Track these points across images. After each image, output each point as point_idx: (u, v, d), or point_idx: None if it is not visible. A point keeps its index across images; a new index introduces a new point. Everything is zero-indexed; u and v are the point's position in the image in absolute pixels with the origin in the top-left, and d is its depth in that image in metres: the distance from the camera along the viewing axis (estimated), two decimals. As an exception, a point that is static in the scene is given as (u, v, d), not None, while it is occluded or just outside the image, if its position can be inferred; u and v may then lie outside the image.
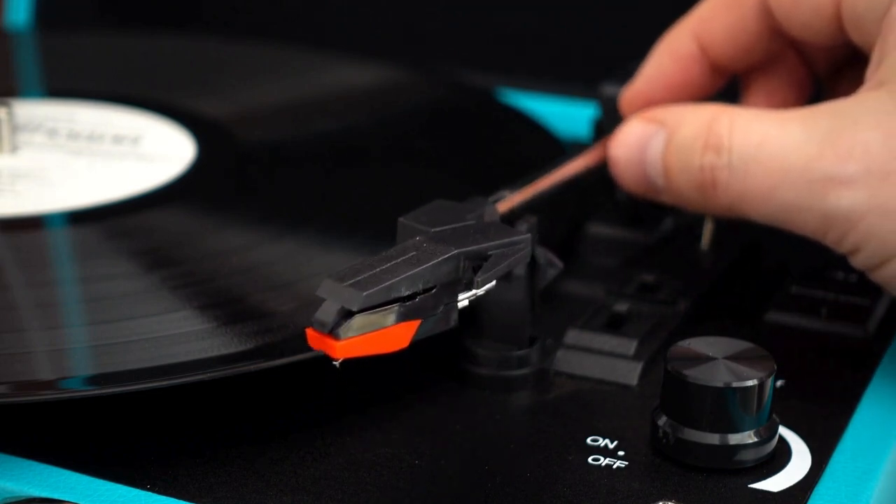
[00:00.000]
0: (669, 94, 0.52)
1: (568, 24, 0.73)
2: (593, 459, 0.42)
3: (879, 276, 0.45)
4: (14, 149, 0.57)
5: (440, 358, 0.47)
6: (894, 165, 0.43)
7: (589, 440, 0.43)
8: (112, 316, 0.45)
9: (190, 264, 0.49)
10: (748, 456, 0.42)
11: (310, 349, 0.43)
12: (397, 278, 0.39)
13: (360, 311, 0.39)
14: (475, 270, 0.42)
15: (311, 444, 0.43)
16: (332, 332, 0.39)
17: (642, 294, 0.50)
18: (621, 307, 0.49)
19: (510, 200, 0.47)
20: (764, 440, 0.42)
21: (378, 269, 0.40)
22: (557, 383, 0.46)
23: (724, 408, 0.41)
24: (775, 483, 0.42)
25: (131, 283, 0.47)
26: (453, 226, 0.43)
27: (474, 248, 0.42)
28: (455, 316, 0.42)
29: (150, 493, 0.41)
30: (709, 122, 0.46)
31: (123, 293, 0.47)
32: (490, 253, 0.42)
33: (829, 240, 0.45)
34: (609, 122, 0.55)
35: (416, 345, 0.47)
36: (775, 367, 0.42)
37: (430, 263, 0.40)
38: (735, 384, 0.41)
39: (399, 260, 0.40)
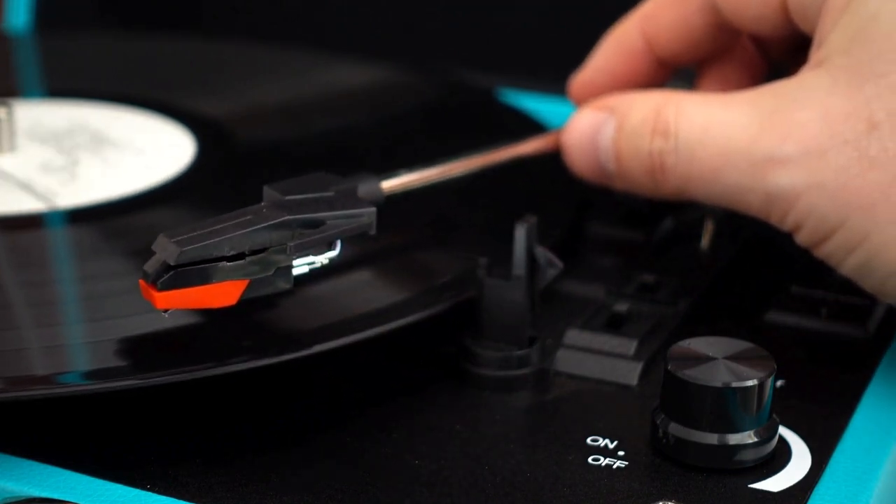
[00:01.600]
0: (616, 84, 0.53)
1: (568, 24, 0.73)
2: (593, 459, 0.42)
3: (821, 253, 0.46)
4: (14, 149, 0.57)
5: (440, 358, 0.47)
6: (831, 144, 0.44)
7: (589, 440, 0.43)
8: (112, 314, 0.45)
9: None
10: (748, 456, 0.42)
11: (310, 347, 0.43)
12: (220, 238, 0.41)
13: (178, 266, 0.41)
14: None
15: (311, 444, 0.43)
16: (153, 283, 0.41)
17: (642, 294, 0.50)
18: (621, 307, 0.49)
19: (399, 181, 0.48)
20: (764, 440, 0.42)
21: (208, 230, 0.42)
22: (557, 383, 0.46)
23: (723, 408, 0.41)
24: (775, 483, 0.42)
25: (131, 283, 0.47)
26: (308, 195, 0.44)
27: (308, 216, 0.43)
28: (289, 279, 0.43)
29: (150, 493, 0.41)
30: (657, 108, 0.47)
31: (124, 292, 0.47)
32: (327, 222, 0.43)
33: (773, 219, 0.46)
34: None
35: (416, 345, 0.47)
36: (775, 367, 0.42)
37: (256, 227, 0.42)
38: (735, 384, 0.41)
39: (231, 222, 0.42)
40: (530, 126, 0.61)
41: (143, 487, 0.41)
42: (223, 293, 0.41)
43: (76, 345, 0.44)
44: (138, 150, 0.57)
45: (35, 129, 0.59)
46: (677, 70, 0.53)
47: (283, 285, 0.43)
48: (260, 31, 0.77)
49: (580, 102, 0.53)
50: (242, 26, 0.79)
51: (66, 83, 0.65)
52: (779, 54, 0.53)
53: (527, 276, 0.46)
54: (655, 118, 0.47)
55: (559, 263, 0.46)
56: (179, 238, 0.41)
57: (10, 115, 0.57)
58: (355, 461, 0.42)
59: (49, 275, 0.49)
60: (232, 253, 0.41)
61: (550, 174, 0.54)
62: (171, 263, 0.41)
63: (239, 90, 0.64)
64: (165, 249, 0.41)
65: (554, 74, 0.71)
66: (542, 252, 0.46)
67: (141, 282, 0.41)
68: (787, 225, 0.46)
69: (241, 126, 0.60)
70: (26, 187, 0.54)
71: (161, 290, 0.41)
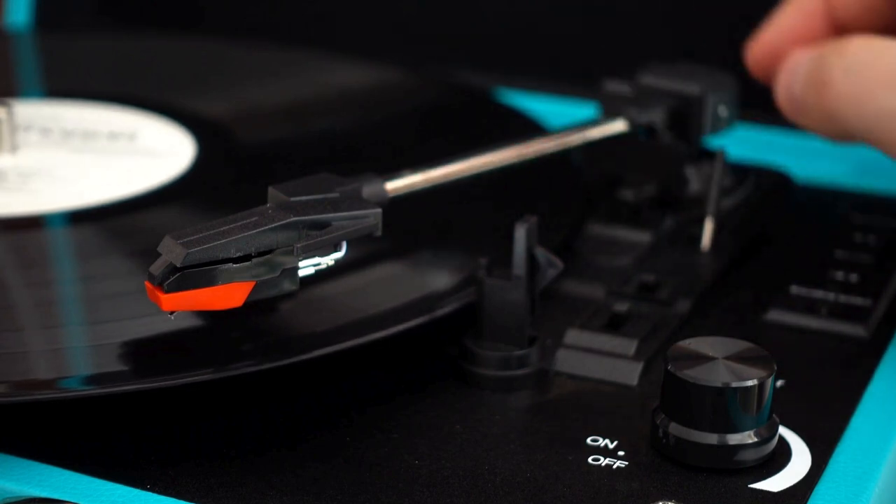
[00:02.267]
0: (792, 45, 0.54)
1: (568, 24, 0.73)
2: (593, 459, 0.42)
3: None
4: (14, 149, 0.57)
5: (440, 357, 0.47)
6: None
7: (589, 440, 0.43)
8: (112, 315, 0.45)
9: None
10: (748, 456, 0.42)
11: (309, 350, 0.43)
12: (226, 240, 0.41)
13: (184, 267, 0.40)
14: None
15: (311, 444, 0.43)
16: (160, 286, 0.40)
17: (642, 294, 0.50)
18: (621, 307, 0.49)
19: (403, 182, 0.48)
20: (764, 440, 0.42)
21: (214, 231, 0.41)
22: (557, 383, 0.46)
23: (724, 408, 0.41)
24: (775, 483, 0.42)
25: (131, 283, 0.47)
26: (313, 196, 0.44)
27: (314, 217, 0.43)
28: (295, 280, 0.43)
29: (150, 493, 0.41)
30: (848, 37, 0.50)
31: (123, 292, 0.47)
32: (333, 223, 0.43)
33: None
34: (608, 118, 0.55)
35: (416, 345, 0.47)
36: (775, 367, 0.42)
37: (262, 229, 0.42)
38: (735, 384, 0.41)
39: (237, 224, 0.42)
40: (529, 126, 0.61)
41: (143, 487, 0.41)
42: (229, 295, 0.41)
43: (78, 348, 0.44)
44: (138, 151, 0.57)
45: (35, 129, 0.59)
46: None
47: (290, 287, 0.43)
48: (260, 31, 0.77)
49: (758, 63, 0.55)
50: (242, 26, 0.79)
51: (66, 83, 0.65)
52: None
53: (527, 277, 0.46)
54: (843, 40, 0.50)
55: (559, 263, 0.46)
56: (185, 240, 0.41)
57: (10, 114, 0.57)
58: (355, 461, 0.42)
59: (49, 276, 0.49)
60: (238, 255, 0.41)
61: (551, 174, 0.54)
62: (178, 265, 0.41)
63: (239, 90, 0.64)
64: (171, 251, 0.41)
65: (554, 74, 0.71)
66: (542, 252, 0.46)
67: (147, 283, 0.41)
68: None
69: (241, 126, 0.60)
70: (26, 187, 0.54)
71: (167, 292, 0.41)
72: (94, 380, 0.43)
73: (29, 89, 0.65)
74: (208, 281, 0.41)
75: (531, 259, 0.45)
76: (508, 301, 0.46)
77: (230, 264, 0.41)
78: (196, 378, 0.42)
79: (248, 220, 0.42)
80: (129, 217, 0.52)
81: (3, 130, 0.57)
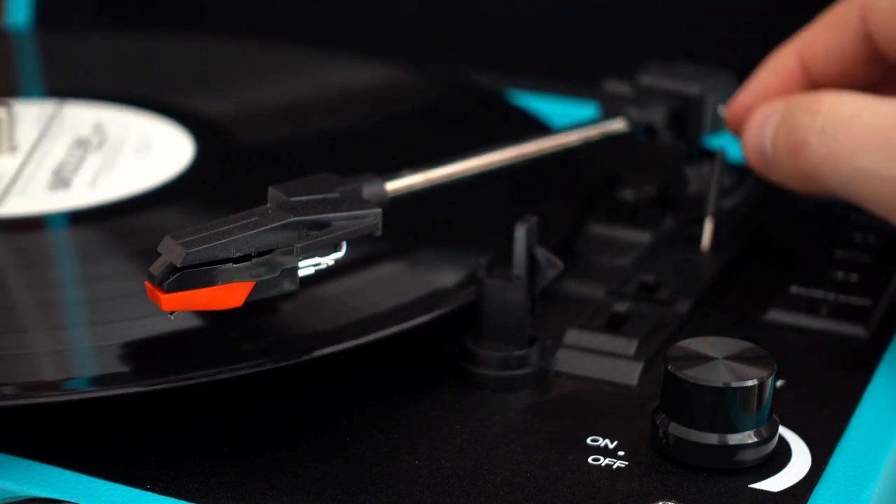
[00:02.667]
0: None
1: (568, 24, 0.73)
2: (593, 459, 0.42)
3: None
4: (13, 149, 0.57)
5: (440, 357, 0.47)
6: None
7: (589, 440, 0.43)
8: (112, 316, 0.45)
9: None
10: (748, 456, 0.42)
11: (309, 351, 0.43)
12: (226, 240, 0.41)
13: (184, 267, 0.40)
14: None
15: (311, 444, 0.43)
16: (160, 286, 0.40)
17: (642, 294, 0.50)
18: (621, 307, 0.49)
19: (403, 182, 0.48)
20: (764, 440, 0.42)
21: (214, 231, 0.41)
22: (557, 383, 0.46)
23: (724, 408, 0.41)
24: (775, 483, 0.42)
25: (131, 283, 0.47)
26: (313, 196, 0.44)
27: (314, 217, 0.43)
28: (295, 280, 0.43)
29: (150, 493, 0.41)
30: (818, 94, 0.49)
31: (124, 293, 0.47)
32: (332, 223, 0.43)
33: (894, 215, 0.47)
34: (608, 118, 0.55)
35: (416, 345, 0.47)
36: (775, 367, 0.42)
37: (262, 229, 0.42)
38: (735, 384, 0.41)
39: (237, 224, 0.42)
40: (537, 127, 0.61)
41: (143, 487, 0.41)
42: (229, 295, 0.41)
43: (82, 349, 0.44)
44: (138, 151, 0.57)
45: (35, 129, 0.59)
46: None
47: (290, 287, 0.43)
48: (260, 31, 0.77)
49: (737, 126, 0.54)
50: (242, 26, 0.79)
51: (66, 83, 0.65)
52: None
53: (527, 277, 0.46)
54: (813, 99, 0.49)
55: (559, 263, 0.46)
56: (185, 240, 0.41)
57: (10, 114, 0.57)
58: (355, 461, 0.42)
59: (49, 276, 0.49)
60: (238, 255, 0.41)
61: (551, 174, 0.54)
62: (178, 265, 0.41)
63: (239, 90, 0.64)
64: (171, 251, 0.41)
65: (554, 74, 0.71)
66: (542, 252, 0.46)
67: (147, 283, 0.41)
68: None
69: (241, 126, 0.60)
70: (26, 187, 0.54)
71: (167, 292, 0.41)
72: (98, 381, 0.42)
73: (29, 89, 0.65)
74: (208, 281, 0.41)
75: (531, 259, 0.45)
76: (508, 301, 0.46)
77: (230, 264, 0.41)
78: (197, 379, 0.42)
79: (248, 220, 0.42)
80: (129, 217, 0.52)
81: (2, 130, 0.57)
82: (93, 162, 0.56)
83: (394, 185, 0.47)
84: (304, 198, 0.44)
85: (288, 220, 0.42)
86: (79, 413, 0.44)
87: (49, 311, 0.47)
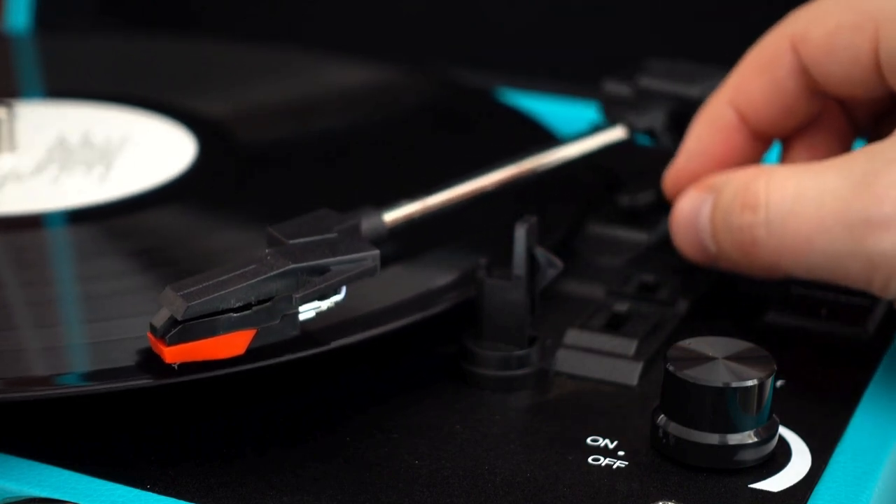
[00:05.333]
0: (713, 165, 0.51)
1: (568, 24, 0.73)
2: (593, 459, 0.42)
3: None
4: (14, 149, 0.57)
5: (440, 357, 0.47)
6: None
7: (589, 440, 0.43)
8: (112, 314, 0.45)
9: (189, 264, 0.49)
10: (748, 456, 0.42)
11: (309, 348, 0.43)
12: (226, 291, 0.41)
13: (185, 320, 0.41)
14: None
15: (311, 444, 0.43)
16: (162, 339, 0.41)
17: (642, 294, 0.50)
18: (621, 307, 0.49)
19: (402, 212, 0.48)
20: (764, 440, 0.42)
21: (213, 282, 0.41)
22: (557, 383, 0.46)
23: (724, 408, 0.41)
24: (775, 483, 0.42)
25: (131, 282, 0.47)
26: (311, 238, 0.44)
27: (313, 263, 0.43)
28: (296, 325, 0.43)
29: (150, 493, 0.41)
30: (746, 182, 0.46)
31: (124, 291, 0.47)
32: (331, 268, 0.43)
33: (875, 286, 0.44)
34: (609, 118, 0.55)
35: (416, 345, 0.47)
36: (775, 367, 0.42)
37: (261, 278, 0.42)
38: (735, 384, 0.41)
39: (236, 273, 0.42)
40: (528, 126, 0.61)
41: (143, 487, 0.41)
42: (231, 344, 0.41)
43: (76, 345, 0.44)
44: (138, 151, 0.57)
45: (35, 129, 0.59)
46: (772, 143, 0.52)
47: (291, 332, 0.43)
48: (259, 31, 0.77)
49: (674, 194, 0.51)
50: (242, 26, 0.79)
51: (66, 83, 0.65)
52: (866, 120, 0.51)
53: (527, 277, 0.46)
54: (745, 192, 0.46)
55: (559, 263, 0.46)
56: (185, 292, 0.41)
57: (10, 114, 0.57)
58: (355, 461, 0.42)
59: (49, 275, 0.49)
60: (238, 304, 0.41)
61: (551, 174, 0.54)
62: (180, 319, 0.41)
63: (239, 90, 0.64)
64: (172, 303, 0.41)
65: (554, 74, 0.71)
66: (542, 252, 0.46)
67: (149, 335, 0.41)
68: (891, 292, 0.44)
69: (241, 126, 0.60)
70: (26, 187, 0.54)
71: (169, 344, 0.41)
72: (92, 376, 0.42)
73: (29, 89, 0.65)
74: (210, 331, 0.41)
75: (531, 259, 0.45)
76: (508, 301, 0.46)
77: (231, 314, 0.41)
78: (194, 376, 0.42)
79: (247, 269, 0.42)
80: (129, 217, 0.52)
81: (3, 130, 0.57)
82: (93, 162, 0.56)
83: (392, 217, 0.47)
84: (302, 240, 0.44)
85: (287, 268, 0.42)
86: (79, 412, 0.44)
87: (46, 308, 0.47)
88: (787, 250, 0.45)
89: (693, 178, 0.50)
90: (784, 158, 0.52)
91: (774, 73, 0.49)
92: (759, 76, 0.50)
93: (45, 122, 0.60)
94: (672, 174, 0.52)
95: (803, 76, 0.49)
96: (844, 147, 0.51)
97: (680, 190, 0.51)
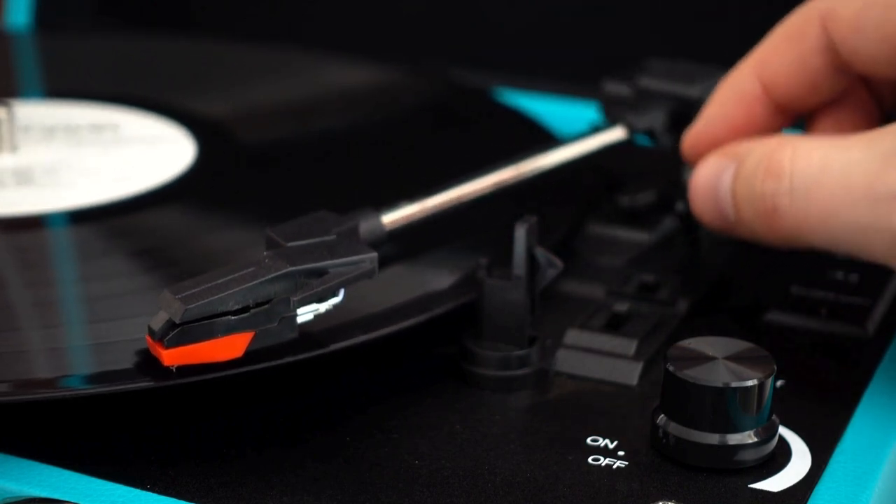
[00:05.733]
0: (732, 133, 0.50)
1: (568, 24, 0.73)
2: (593, 459, 0.42)
3: None
4: (14, 149, 0.57)
5: (440, 357, 0.47)
6: None
7: (589, 440, 0.43)
8: (112, 315, 0.45)
9: (190, 264, 0.49)
10: (748, 456, 0.42)
11: (310, 349, 0.43)
12: (224, 294, 0.41)
13: (183, 323, 0.41)
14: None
15: (311, 444, 0.43)
16: (160, 341, 0.41)
17: (642, 294, 0.50)
18: (621, 307, 0.49)
19: (400, 214, 0.48)
20: (764, 440, 0.42)
21: (211, 284, 0.41)
22: (557, 383, 0.46)
23: (724, 408, 0.41)
24: (775, 483, 0.42)
25: (131, 283, 0.47)
26: (310, 241, 0.44)
27: (311, 265, 0.43)
28: (294, 327, 0.43)
29: (150, 493, 0.41)
30: (771, 151, 0.46)
31: (124, 292, 0.47)
32: (329, 270, 0.43)
33: None
34: (609, 119, 0.55)
35: (416, 345, 0.47)
36: (775, 367, 0.42)
37: (259, 280, 0.42)
38: (735, 384, 0.41)
39: (234, 275, 0.42)
40: (527, 126, 0.61)
41: (143, 487, 0.41)
42: (229, 346, 0.41)
43: (78, 347, 0.44)
44: (138, 151, 0.57)
45: (35, 129, 0.59)
46: (796, 117, 0.52)
47: (289, 334, 0.43)
48: (259, 31, 0.77)
49: (694, 157, 0.51)
50: (242, 26, 0.79)
51: (66, 83, 0.65)
52: (892, 99, 0.51)
53: (527, 277, 0.46)
54: (769, 160, 0.46)
55: (559, 263, 0.46)
56: (183, 294, 0.41)
57: (10, 114, 0.57)
58: (355, 461, 0.42)
59: (49, 275, 0.49)
60: (236, 307, 0.41)
61: (551, 174, 0.54)
62: (178, 322, 0.41)
63: (239, 90, 0.64)
64: (170, 306, 0.41)
65: (554, 74, 0.71)
66: (542, 252, 0.46)
67: (147, 338, 0.41)
68: None
69: (241, 126, 0.60)
70: (26, 187, 0.54)
71: (167, 347, 0.41)
72: (94, 379, 0.43)
73: (29, 89, 0.65)
74: (208, 334, 0.41)
75: (531, 259, 0.45)
76: (508, 301, 0.46)
77: (229, 316, 0.41)
78: (195, 378, 0.42)
79: (245, 272, 0.42)
80: (129, 217, 0.52)
81: (3, 130, 0.57)
82: (93, 162, 0.56)
83: (391, 219, 0.47)
84: (300, 243, 0.44)
85: (285, 271, 0.42)
86: (79, 412, 0.44)
87: (48, 309, 0.47)
88: (809, 220, 0.45)
89: (712, 143, 0.50)
90: (808, 133, 0.52)
91: (801, 48, 0.49)
92: (785, 50, 0.50)
93: (45, 121, 0.60)
94: (691, 137, 0.51)
95: (830, 53, 0.49)
96: (869, 126, 0.51)
97: (698, 153, 0.50)
